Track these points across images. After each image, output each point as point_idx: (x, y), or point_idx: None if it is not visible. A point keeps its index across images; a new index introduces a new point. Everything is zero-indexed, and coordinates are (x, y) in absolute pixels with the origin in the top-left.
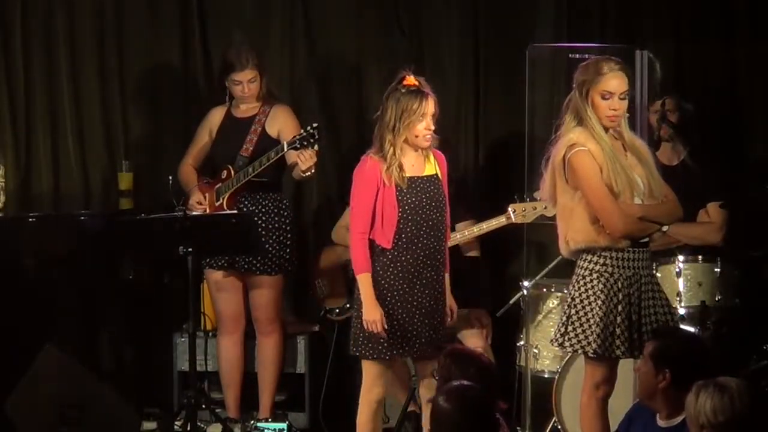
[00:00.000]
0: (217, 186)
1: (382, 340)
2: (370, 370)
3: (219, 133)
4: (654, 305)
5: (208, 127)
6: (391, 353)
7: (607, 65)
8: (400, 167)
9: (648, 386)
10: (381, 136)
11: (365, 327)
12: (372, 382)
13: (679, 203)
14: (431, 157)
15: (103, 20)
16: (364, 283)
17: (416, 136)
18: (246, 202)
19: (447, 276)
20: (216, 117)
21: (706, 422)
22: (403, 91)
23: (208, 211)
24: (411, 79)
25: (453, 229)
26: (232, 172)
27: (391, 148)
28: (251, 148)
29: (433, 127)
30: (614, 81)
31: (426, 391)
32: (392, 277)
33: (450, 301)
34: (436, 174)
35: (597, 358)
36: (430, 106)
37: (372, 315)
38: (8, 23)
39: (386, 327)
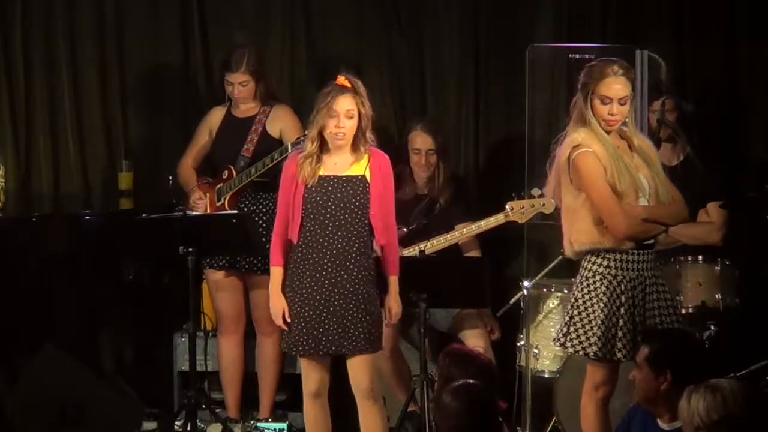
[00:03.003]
0: (218, 186)
1: (294, 335)
2: (301, 365)
3: (219, 133)
4: (659, 307)
5: (208, 126)
6: (297, 349)
7: (610, 69)
8: (317, 160)
9: (648, 391)
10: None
11: (272, 318)
12: (303, 376)
13: (686, 204)
14: (365, 159)
15: (103, 20)
16: (273, 276)
17: (327, 132)
18: (247, 202)
19: (393, 279)
20: (216, 117)
21: (701, 423)
22: (329, 87)
23: (209, 209)
24: (340, 79)
25: (452, 229)
26: (234, 173)
27: (309, 142)
28: (252, 148)
29: (344, 126)
30: (615, 86)
31: (357, 385)
32: (301, 273)
33: (391, 302)
34: (363, 176)
35: (599, 359)
36: (341, 103)
37: (273, 307)
38: (8, 23)
39: (291, 321)
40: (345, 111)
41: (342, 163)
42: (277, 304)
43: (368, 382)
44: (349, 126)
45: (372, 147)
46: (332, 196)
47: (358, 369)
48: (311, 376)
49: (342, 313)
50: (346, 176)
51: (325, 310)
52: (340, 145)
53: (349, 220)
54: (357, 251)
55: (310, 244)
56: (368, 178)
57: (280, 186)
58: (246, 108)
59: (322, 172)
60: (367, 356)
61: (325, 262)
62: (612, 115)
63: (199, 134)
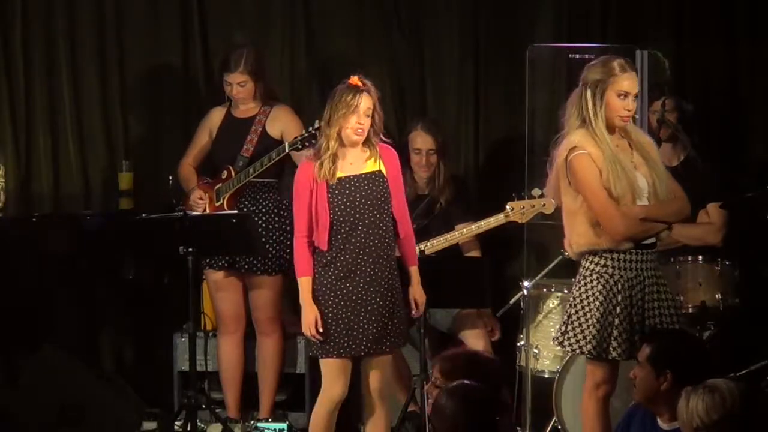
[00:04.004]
0: (218, 186)
1: (328, 339)
2: (326, 369)
3: (219, 134)
4: (659, 306)
5: (207, 127)
6: (338, 352)
7: (620, 65)
8: (334, 161)
9: (648, 390)
10: (321, 132)
11: (303, 330)
12: (330, 381)
13: (688, 200)
14: (377, 154)
15: (103, 20)
16: (303, 286)
17: (347, 129)
18: (246, 202)
19: (414, 269)
20: (216, 117)
21: (700, 424)
22: (344, 87)
23: (208, 209)
24: (355, 79)
25: (452, 229)
26: (233, 173)
27: (326, 141)
28: (252, 149)
29: (364, 123)
30: (630, 81)
31: (374, 384)
32: (332, 277)
33: (415, 294)
34: (379, 170)
35: (594, 358)
36: (364, 101)
37: (306, 318)
38: (8, 23)
39: (324, 328)
40: (365, 109)
41: (357, 162)
42: (311, 315)
43: (384, 382)
44: (368, 123)
45: (379, 142)
46: (357, 195)
47: (380, 368)
48: (340, 381)
49: (381, 310)
50: (365, 174)
51: (363, 310)
52: (356, 141)
53: (378, 216)
54: (387, 246)
55: (341, 246)
56: (384, 172)
57: (295, 196)
58: (246, 108)
59: (340, 174)
60: (389, 356)
61: (359, 261)
62: (628, 110)
63: (198, 135)
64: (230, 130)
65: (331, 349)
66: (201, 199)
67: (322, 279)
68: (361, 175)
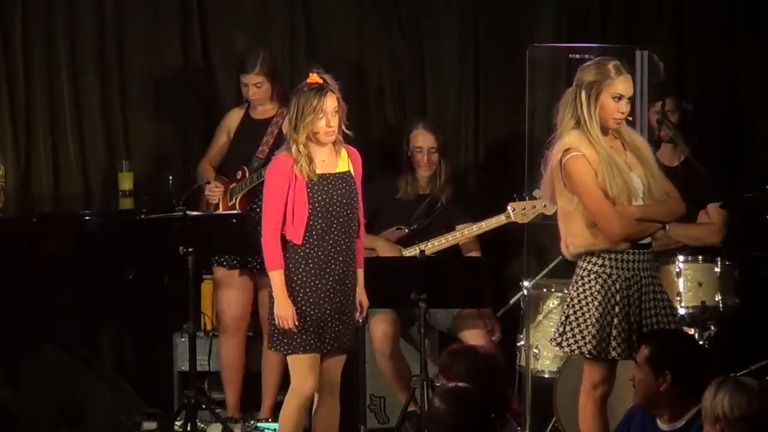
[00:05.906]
0: (231, 186)
1: (296, 335)
2: (296, 365)
3: (236, 134)
4: (655, 306)
5: (226, 128)
6: (304, 348)
7: (615, 67)
8: (310, 161)
9: (648, 392)
10: (287, 134)
11: (277, 323)
12: (302, 377)
13: (682, 200)
14: (344, 154)
15: (103, 20)
16: (277, 279)
17: (317, 133)
18: (259, 203)
19: (360, 271)
20: (234, 118)
21: (722, 416)
22: (305, 89)
23: (221, 206)
24: (314, 77)
25: (453, 229)
26: (247, 173)
27: (295, 145)
28: (267, 150)
29: (334, 124)
30: (625, 84)
31: (333, 380)
32: (304, 273)
33: (361, 296)
34: (349, 171)
35: (593, 358)
36: (329, 102)
37: (283, 311)
38: (8, 23)
39: (298, 323)
40: (332, 109)
41: (329, 161)
42: (288, 309)
43: (338, 379)
44: (336, 122)
45: (344, 143)
46: (334, 193)
47: (338, 365)
48: (311, 377)
49: (343, 309)
50: (339, 173)
51: (328, 308)
52: (329, 141)
53: (351, 215)
54: (354, 247)
55: (315, 243)
56: (353, 173)
57: (269, 190)
58: (263, 110)
59: (318, 171)
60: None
61: (330, 259)
62: (622, 112)
63: (217, 136)
64: (248, 131)
65: (305, 344)
66: (217, 187)
67: (293, 275)
68: (336, 174)
